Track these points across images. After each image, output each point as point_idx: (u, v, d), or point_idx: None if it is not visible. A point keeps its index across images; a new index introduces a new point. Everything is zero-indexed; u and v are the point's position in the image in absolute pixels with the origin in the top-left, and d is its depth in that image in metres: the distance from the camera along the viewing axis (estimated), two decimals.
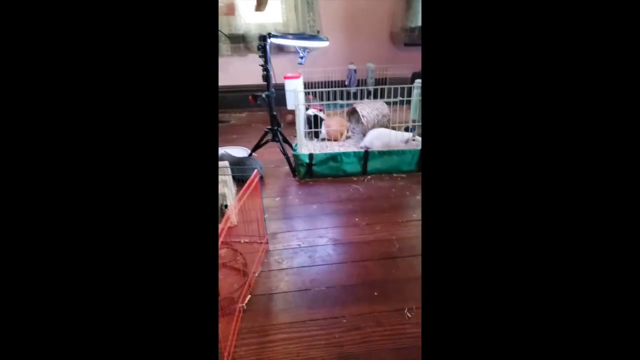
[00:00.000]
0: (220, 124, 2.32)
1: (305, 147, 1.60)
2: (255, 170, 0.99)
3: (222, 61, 2.54)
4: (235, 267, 1.00)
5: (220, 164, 1.34)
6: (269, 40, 1.43)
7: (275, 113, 1.55)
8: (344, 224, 1.18)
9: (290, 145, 1.68)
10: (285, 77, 1.89)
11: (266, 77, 1.47)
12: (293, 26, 2.44)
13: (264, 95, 1.45)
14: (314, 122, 1.74)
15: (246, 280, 0.93)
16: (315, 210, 1.28)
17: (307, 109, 1.89)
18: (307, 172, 1.48)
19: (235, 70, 2.58)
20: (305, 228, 1.17)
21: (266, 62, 1.45)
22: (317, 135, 1.83)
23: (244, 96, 2.33)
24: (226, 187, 1.25)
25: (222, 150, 1.60)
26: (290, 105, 1.95)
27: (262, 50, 1.44)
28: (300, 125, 1.55)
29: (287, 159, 1.53)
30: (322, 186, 1.44)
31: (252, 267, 0.98)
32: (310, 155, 1.44)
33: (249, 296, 0.89)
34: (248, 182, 0.96)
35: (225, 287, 0.92)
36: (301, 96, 1.52)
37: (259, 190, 1.02)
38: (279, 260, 1.02)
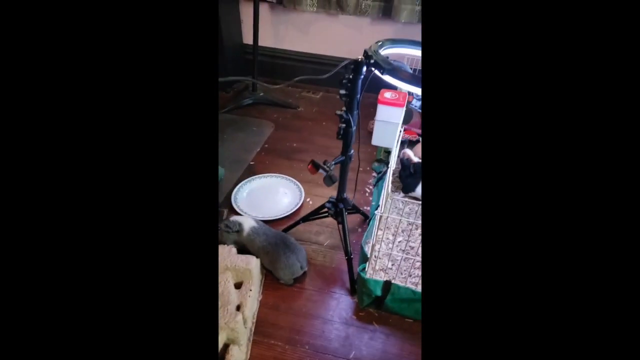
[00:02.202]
0: (285, 110, 1.74)
1: (381, 242, 0.97)
2: None
3: (303, 18, 1.83)
4: None
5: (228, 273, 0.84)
6: (363, 70, 0.73)
7: (346, 196, 0.91)
8: None
9: (365, 216, 1.08)
10: (380, 101, 1.16)
11: (344, 132, 0.81)
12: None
13: (331, 166, 0.82)
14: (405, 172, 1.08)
15: None
16: None
17: (401, 151, 1.21)
18: (374, 303, 0.89)
19: (320, 33, 1.86)
20: None
21: (350, 108, 0.78)
22: (407, 189, 1.18)
23: (323, 70, 1.68)
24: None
25: (253, 215, 0.99)
26: (376, 141, 1.27)
27: (348, 83, 0.76)
28: (383, 191, 0.90)
29: (349, 262, 0.94)
30: (396, 339, 0.85)
31: None
32: (386, 286, 0.84)
33: None
34: None
35: None
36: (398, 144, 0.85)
37: None
38: None
